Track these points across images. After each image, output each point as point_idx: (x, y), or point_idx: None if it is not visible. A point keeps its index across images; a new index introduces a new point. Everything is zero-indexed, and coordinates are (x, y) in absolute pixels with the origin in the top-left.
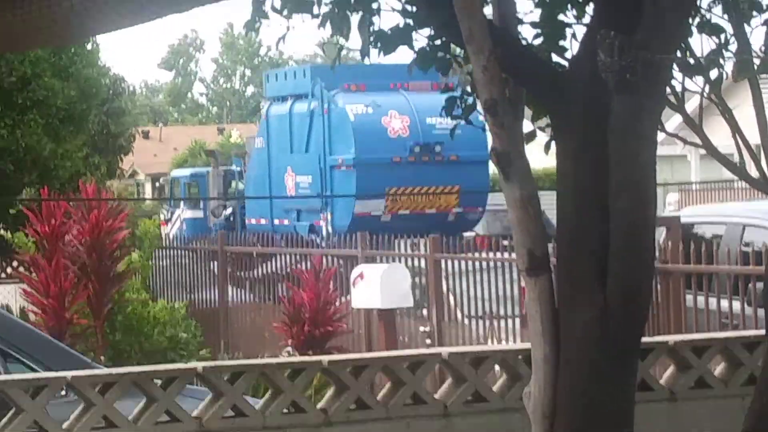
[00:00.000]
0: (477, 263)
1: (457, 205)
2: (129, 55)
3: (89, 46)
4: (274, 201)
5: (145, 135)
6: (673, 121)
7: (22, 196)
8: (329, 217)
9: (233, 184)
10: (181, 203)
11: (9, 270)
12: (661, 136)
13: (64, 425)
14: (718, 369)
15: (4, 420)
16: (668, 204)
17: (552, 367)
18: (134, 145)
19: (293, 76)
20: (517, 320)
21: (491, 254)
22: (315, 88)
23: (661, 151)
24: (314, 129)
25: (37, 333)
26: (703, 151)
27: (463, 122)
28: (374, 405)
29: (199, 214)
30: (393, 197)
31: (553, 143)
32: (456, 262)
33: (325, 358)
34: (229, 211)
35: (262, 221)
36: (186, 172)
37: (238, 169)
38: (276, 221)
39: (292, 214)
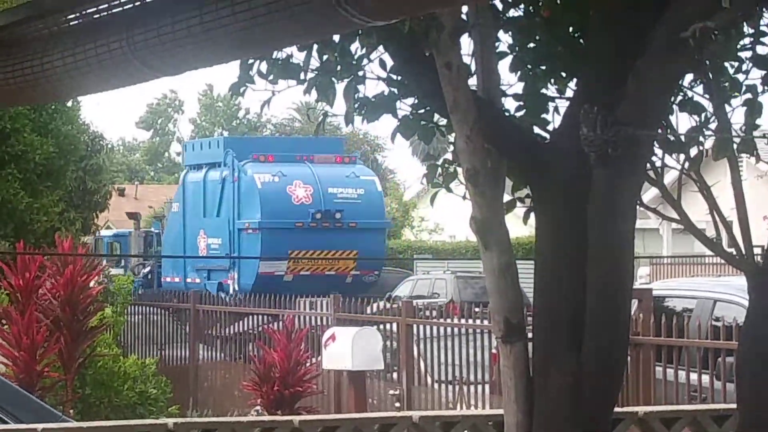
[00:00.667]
0: (448, 329)
1: (355, 268)
2: (108, 113)
3: (69, 104)
4: (188, 261)
5: (121, 192)
6: (649, 194)
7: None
8: (236, 276)
9: (153, 244)
10: (104, 261)
11: None
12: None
13: None
14: None
15: None
16: (640, 277)
17: None
18: (110, 202)
19: (208, 146)
20: (486, 386)
21: (462, 320)
22: (227, 158)
23: None
24: (225, 195)
25: (8, 384)
26: (675, 225)
27: (364, 191)
28: None
29: (120, 272)
30: (295, 259)
31: (532, 214)
32: (427, 328)
33: (296, 418)
34: (147, 269)
35: (176, 279)
36: (110, 232)
37: (157, 231)
38: (189, 279)
39: (203, 273)
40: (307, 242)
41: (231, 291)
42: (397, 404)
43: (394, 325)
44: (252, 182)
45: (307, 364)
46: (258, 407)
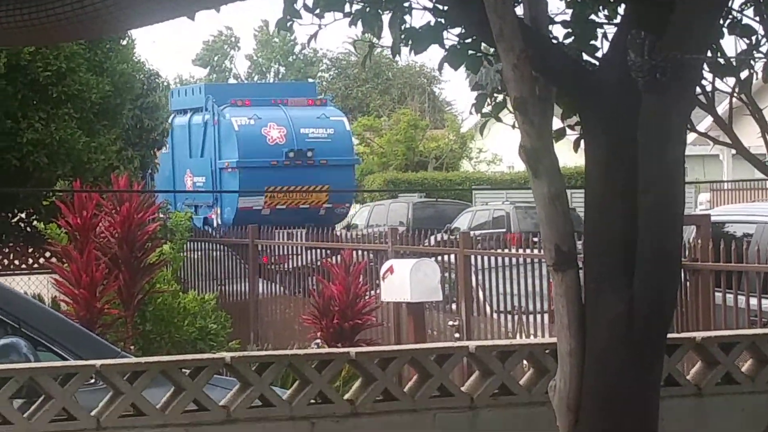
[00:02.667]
0: (507, 259)
1: (327, 202)
2: (164, 51)
3: (124, 42)
4: (178, 198)
5: None
6: (705, 122)
7: (55, 188)
8: (219, 211)
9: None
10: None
11: (41, 261)
12: (692, 136)
13: (93, 412)
14: (746, 366)
15: (34, 406)
16: (700, 203)
17: (577, 361)
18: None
19: (192, 92)
20: (546, 316)
21: (520, 250)
22: (208, 103)
23: (693, 150)
24: (207, 137)
25: (68, 322)
26: (735, 151)
27: (338, 131)
28: (401, 396)
29: None
30: (271, 194)
31: (582, 141)
32: (486, 258)
33: (352, 350)
34: None
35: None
36: None
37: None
38: None
39: (191, 209)
40: (282, 179)
41: (215, 225)
42: (457, 335)
43: (452, 257)
44: (230, 125)
45: (366, 297)
46: (318, 340)
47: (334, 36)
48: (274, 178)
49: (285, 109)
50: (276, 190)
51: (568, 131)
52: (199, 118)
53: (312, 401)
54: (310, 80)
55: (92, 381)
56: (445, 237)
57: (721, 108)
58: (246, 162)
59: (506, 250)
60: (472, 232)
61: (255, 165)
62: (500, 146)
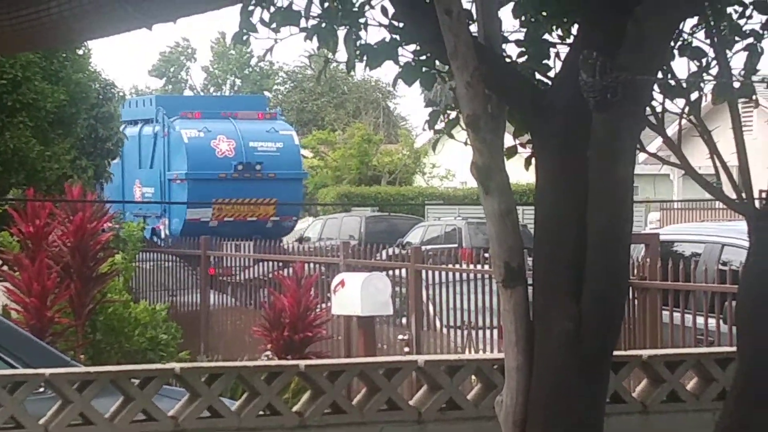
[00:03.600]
0: (458, 274)
1: (274, 215)
2: (120, 61)
3: (80, 51)
4: (127, 208)
5: None
6: (656, 142)
7: (8, 197)
8: (167, 222)
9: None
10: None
11: None
12: (643, 155)
13: (41, 421)
14: (691, 384)
15: None
16: (650, 222)
17: (524, 377)
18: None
19: (143, 104)
20: (495, 331)
21: (471, 266)
22: (158, 115)
23: (643, 169)
24: (157, 149)
25: (17, 330)
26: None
27: (282, 148)
28: (349, 409)
29: None
30: (219, 206)
31: (533, 159)
32: (437, 273)
33: (302, 363)
34: None
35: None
36: None
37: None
38: None
39: (140, 219)
40: (230, 191)
41: (162, 236)
42: (407, 349)
43: (404, 271)
44: (179, 137)
45: (317, 310)
46: (268, 352)
47: (291, 49)
48: (223, 190)
49: (235, 122)
50: (224, 203)
51: (519, 149)
52: (150, 129)
53: (261, 413)
54: (266, 93)
55: (41, 390)
56: (397, 251)
57: (671, 129)
58: (195, 174)
59: (457, 266)
60: (423, 247)
61: (204, 177)
62: (453, 162)
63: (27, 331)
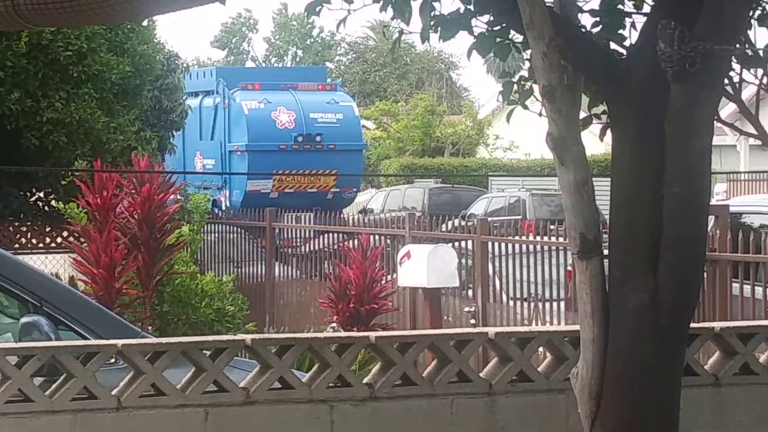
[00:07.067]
0: (523, 246)
1: (335, 186)
2: (183, 32)
3: (144, 23)
4: (188, 180)
5: None
6: (726, 110)
7: (77, 168)
8: (228, 194)
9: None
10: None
11: (58, 240)
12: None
13: (113, 392)
14: (764, 357)
15: (55, 385)
16: (716, 193)
17: (600, 349)
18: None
19: (203, 75)
20: (562, 303)
21: (538, 237)
22: (219, 86)
23: None
24: (217, 120)
25: (89, 301)
26: (753, 141)
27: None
28: (420, 381)
29: None
30: (279, 178)
31: (608, 130)
32: (502, 245)
33: (372, 334)
34: None
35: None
36: None
37: None
38: None
39: (200, 191)
40: (291, 163)
41: (223, 207)
42: (472, 321)
43: (470, 243)
44: (240, 108)
45: (383, 282)
46: (334, 324)
47: (353, 20)
48: (283, 161)
49: (295, 93)
50: (284, 174)
51: (595, 120)
52: (210, 100)
53: (331, 384)
54: (328, 64)
55: (112, 360)
56: (462, 223)
57: (745, 95)
58: (255, 145)
59: (524, 237)
60: (489, 219)
61: (264, 149)
62: (517, 133)
63: (96, 301)
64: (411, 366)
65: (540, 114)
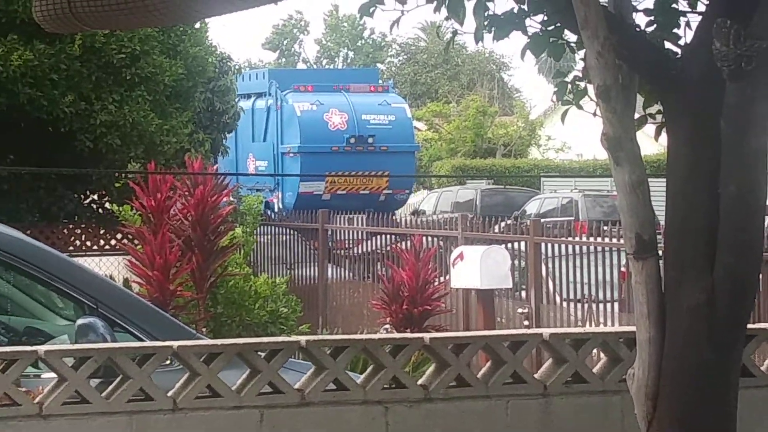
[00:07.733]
0: (576, 247)
1: (387, 188)
2: (235, 35)
3: (197, 25)
4: (241, 182)
5: None
6: None
7: (131, 170)
8: (280, 195)
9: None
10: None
11: (112, 242)
12: None
13: (169, 393)
14: None
15: (111, 386)
16: None
17: (657, 350)
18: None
19: (256, 77)
20: (615, 304)
21: (591, 238)
22: (271, 88)
23: None
24: (270, 122)
25: (144, 303)
26: None
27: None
28: (474, 383)
29: None
30: (332, 179)
31: (663, 130)
32: (555, 246)
33: (426, 335)
34: None
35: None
36: None
37: None
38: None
39: (252, 193)
40: (343, 164)
41: (276, 209)
42: (526, 322)
43: (522, 244)
44: (292, 110)
45: (436, 283)
46: (387, 326)
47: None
48: (335, 163)
49: (347, 95)
50: (337, 176)
51: (649, 120)
52: (263, 102)
53: (385, 386)
54: (379, 65)
55: (168, 362)
56: (514, 224)
57: None
58: (307, 147)
59: (577, 238)
60: (542, 220)
61: (316, 150)
62: (569, 134)
63: (151, 304)
64: (466, 367)
65: (594, 114)
